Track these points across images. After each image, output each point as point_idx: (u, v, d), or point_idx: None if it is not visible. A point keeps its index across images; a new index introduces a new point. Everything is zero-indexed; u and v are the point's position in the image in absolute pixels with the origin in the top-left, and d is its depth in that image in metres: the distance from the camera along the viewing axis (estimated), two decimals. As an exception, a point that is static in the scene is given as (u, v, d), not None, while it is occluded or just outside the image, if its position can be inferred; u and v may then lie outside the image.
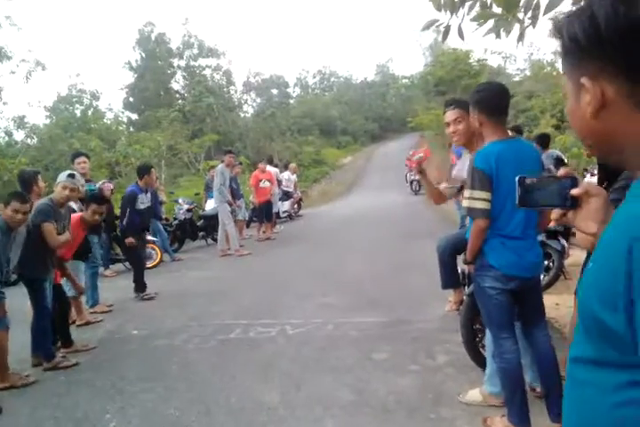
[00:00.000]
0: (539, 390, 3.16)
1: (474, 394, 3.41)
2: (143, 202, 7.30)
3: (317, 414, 3.46)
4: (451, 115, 3.19)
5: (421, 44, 51.55)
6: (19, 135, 22.26)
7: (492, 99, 2.78)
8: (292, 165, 15.94)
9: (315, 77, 56.86)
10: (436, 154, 15.16)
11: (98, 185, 7.73)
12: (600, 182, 3.42)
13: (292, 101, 47.62)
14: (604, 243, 0.79)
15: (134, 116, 36.01)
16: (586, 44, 0.80)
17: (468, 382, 3.68)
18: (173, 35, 43.36)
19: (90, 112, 26.45)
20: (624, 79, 0.77)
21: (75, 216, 5.37)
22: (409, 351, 4.41)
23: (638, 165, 0.82)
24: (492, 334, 2.97)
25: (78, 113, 26.13)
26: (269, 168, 12.78)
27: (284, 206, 14.18)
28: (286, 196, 14.46)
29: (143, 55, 36.06)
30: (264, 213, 11.85)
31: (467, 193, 2.77)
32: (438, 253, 4.08)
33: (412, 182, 18.69)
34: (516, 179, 1.06)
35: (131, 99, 37.00)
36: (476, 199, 2.71)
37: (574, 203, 1.02)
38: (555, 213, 1.07)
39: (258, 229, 12.04)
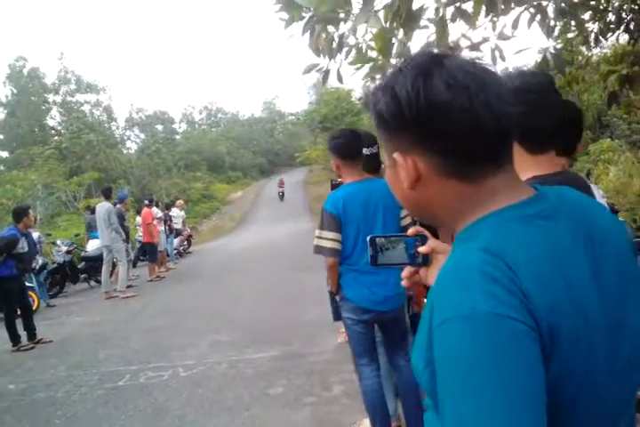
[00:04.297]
0: (394, 425, 3.29)
1: (367, 422, 3.46)
2: (23, 246, 6.82)
3: (214, 458, 3.34)
4: None
5: (305, 82, 53.42)
6: None
7: (345, 145, 2.98)
8: (179, 202, 15.70)
9: (201, 113, 56.79)
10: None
11: None
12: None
13: (178, 137, 46.95)
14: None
15: (5, 154, 33.74)
16: (392, 123, 0.81)
17: (362, 410, 3.71)
18: (48, 69, 41.44)
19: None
20: (433, 153, 0.80)
21: None
22: (305, 384, 4.41)
23: (455, 227, 0.85)
24: (355, 361, 3.11)
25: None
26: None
27: (173, 244, 13.78)
28: (175, 233, 14.08)
29: (14, 91, 34.09)
30: (153, 253, 11.45)
31: (317, 233, 2.96)
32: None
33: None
34: (367, 239, 1.09)
35: (1, 136, 34.68)
36: (324, 239, 2.91)
37: (425, 260, 1.05)
38: (406, 272, 1.08)
39: (149, 268, 11.55)
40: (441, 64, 0.78)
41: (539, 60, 4.46)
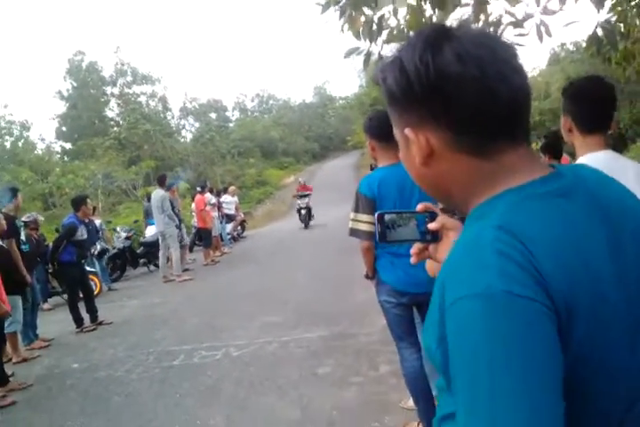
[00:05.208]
0: None
1: (412, 402, 3.51)
2: (82, 233, 7.18)
3: (263, 433, 3.47)
4: None
5: (355, 66, 52.79)
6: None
7: (378, 127, 2.91)
8: (232, 188, 16.02)
9: (253, 101, 57.14)
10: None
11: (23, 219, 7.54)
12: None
13: (231, 125, 47.59)
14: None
15: (68, 146, 35.21)
16: (402, 98, 0.80)
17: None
18: (105, 63, 42.77)
19: (20, 143, 25.69)
20: (445, 128, 0.77)
21: None
22: (352, 364, 4.49)
23: (468, 207, 0.83)
24: (395, 343, 3.12)
25: (8, 145, 25.33)
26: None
27: (227, 229, 14.10)
28: (228, 218, 14.41)
29: (74, 84, 35.46)
30: (208, 238, 11.79)
31: (351, 215, 2.95)
32: None
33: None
34: (375, 215, 1.06)
35: (63, 128, 36.21)
36: (360, 222, 2.89)
37: (435, 237, 1.03)
38: (415, 248, 1.07)
39: (204, 253, 11.92)
40: (451, 36, 0.76)
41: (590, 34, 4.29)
